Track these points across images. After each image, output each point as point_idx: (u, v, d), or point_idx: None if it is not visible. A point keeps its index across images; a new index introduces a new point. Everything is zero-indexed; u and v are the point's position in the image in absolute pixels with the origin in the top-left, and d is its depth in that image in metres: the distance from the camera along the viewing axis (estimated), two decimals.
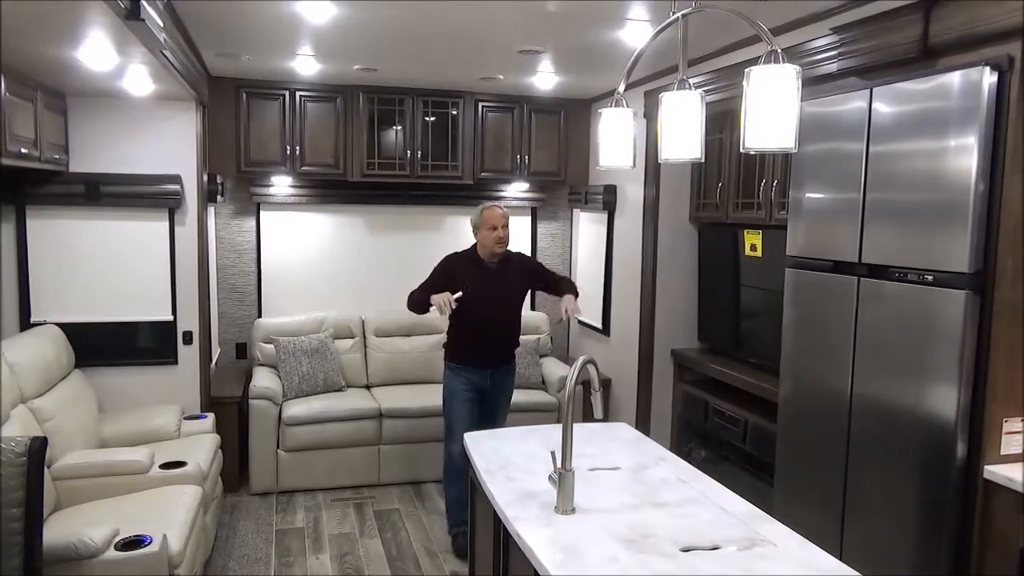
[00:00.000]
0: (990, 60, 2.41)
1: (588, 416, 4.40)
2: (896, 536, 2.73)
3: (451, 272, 3.95)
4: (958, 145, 2.48)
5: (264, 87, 5.25)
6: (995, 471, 2.42)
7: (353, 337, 5.53)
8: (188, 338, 4.60)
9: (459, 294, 3.71)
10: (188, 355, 4.61)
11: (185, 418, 4.37)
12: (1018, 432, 2.46)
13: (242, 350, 5.62)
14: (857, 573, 1.83)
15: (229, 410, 4.78)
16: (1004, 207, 2.41)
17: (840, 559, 1.94)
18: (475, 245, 3.99)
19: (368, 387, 5.44)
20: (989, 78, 2.40)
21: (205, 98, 4.76)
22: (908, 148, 2.68)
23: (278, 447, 4.84)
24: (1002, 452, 2.46)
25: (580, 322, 6.21)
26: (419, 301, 3.94)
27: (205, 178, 4.70)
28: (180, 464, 3.64)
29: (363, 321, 5.61)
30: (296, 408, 4.88)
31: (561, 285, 4.15)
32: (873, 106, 2.81)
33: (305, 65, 4.75)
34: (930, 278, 2.58)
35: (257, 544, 4.15)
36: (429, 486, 5.03)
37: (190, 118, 4.51)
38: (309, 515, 4.56)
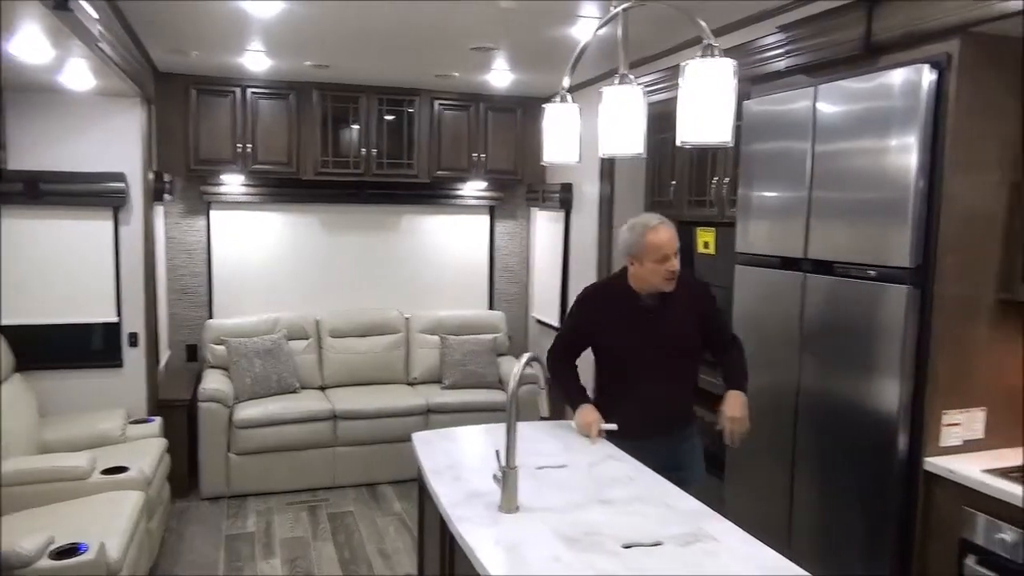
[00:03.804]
0: (930, 58, 2.45)
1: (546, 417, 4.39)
2: (842, 527, 2.76)
3: (595, 317, 2.84)
4: (899, 142, 2.51)
5: (214, 83, 5.15)
6: (936, 463, 2.45)
7: (308, 338, 5.44)
8: (134, 340, 4.48)
9: (612, 426, 2.71)
10: (134, 357, 4.50)
11: (131, 422, 4.25)
12: (957, 424, 2.50)
13: (193, 352, 5.51)
14: (797, 568, 1.83)
15: (178, 413, 4.67)
16: (944, 203, 2.44)
17: (788, 551, 1.94)
18: (624, 272, 2.80)
19: (323, 388, 5.37)
20: (929, 76, 2.43)
21: (151, 94, 4.65)
22: (852, 146, 2.71)
23: (229, 450, 4.74)
24: (942, 444, 2.49)
25: (538, 321, 6.20)
26: (563, 391, 2.98)
27: (152, 176, 4.59)
28: (123, 469, 3.54)
29: (318, 322, 5.53)
30: (248, 410, 4.78)
31: (730, 358, 2.88)
32: (818, 105, 2.84)
33: (255, 61, 4.67)
34: (873, 273, 2.61)
35: (205, 550, 4.06)
36: (385, 488, 4.97)
37: (135, 114, 4.40)
38: (261, 519, 4.48)
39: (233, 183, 5.39)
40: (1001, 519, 2.23)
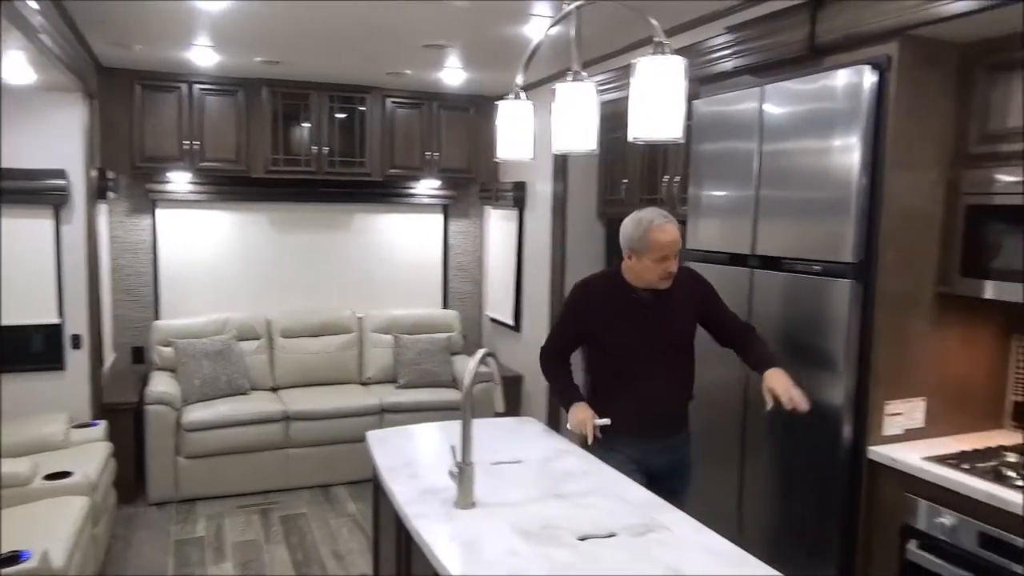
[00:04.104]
0: (871, 60, 2.52)
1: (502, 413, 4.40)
2: (789, 516, 2.83)
3: (588, 313, 2.76)
4: (842, 142, 2.58)
5: (159, 79, 5.04)
6: (878, 452, 2.53)
7: (259, 338, 5.36)
8: (77, 342, 4.35)
9: (606, 421, 2.64)
10: (77, 360, 4.37)
11: (74, 426, 4.13)
12: (899, 414, 2.59)
13: (139, 354, 5.37)
14: (748, 555, 1.88)
15: (124, 417, 4.55)
16: (885, 200, 2.52)
17: (739, 541, 1.99)
18: (619, 267, 2.75)
19: (275, 389, 5.29)
20: (870, 77, 2.51)
21: (94, 89, 4.52)
22: (797, 146, 2.77)
23: (177, 454, 4.64)
24: (884, 433, 2.57)
25: (492, 319, 6.22)
26: (555, 388, 2.89)
27: (94, 174, 4.47)
28: (66, 474, 3.45)
29: (269, 322, 5.45)
30: (197, 413, 4.69)
31: (755, 345, 2.74)
32: (764, 106, 2.90)
33: (203, 56, 4.58)
34: (818, 268, 2.68)
35: (153, 555, 3.97)
36: (339, 489, 4.92)
37: (76, 110, 4.28)
38: (211, 523, 4.39)
39: (180, 181, 5.28)
40: (940, 504, 2.32)
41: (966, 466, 2.35)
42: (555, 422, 4.98)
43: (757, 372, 2.63)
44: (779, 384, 2.51)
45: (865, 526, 2.59)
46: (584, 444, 2.67)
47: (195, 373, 4.88)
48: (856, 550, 2.62)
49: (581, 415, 2.67)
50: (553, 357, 2.86)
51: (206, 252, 5.53)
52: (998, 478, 2.25)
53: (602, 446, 2.63)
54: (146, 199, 5.30)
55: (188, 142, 5.11)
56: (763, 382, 2.56)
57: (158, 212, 5.37)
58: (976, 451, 2.49)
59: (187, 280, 5.47)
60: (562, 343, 2.87)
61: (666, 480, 2.67)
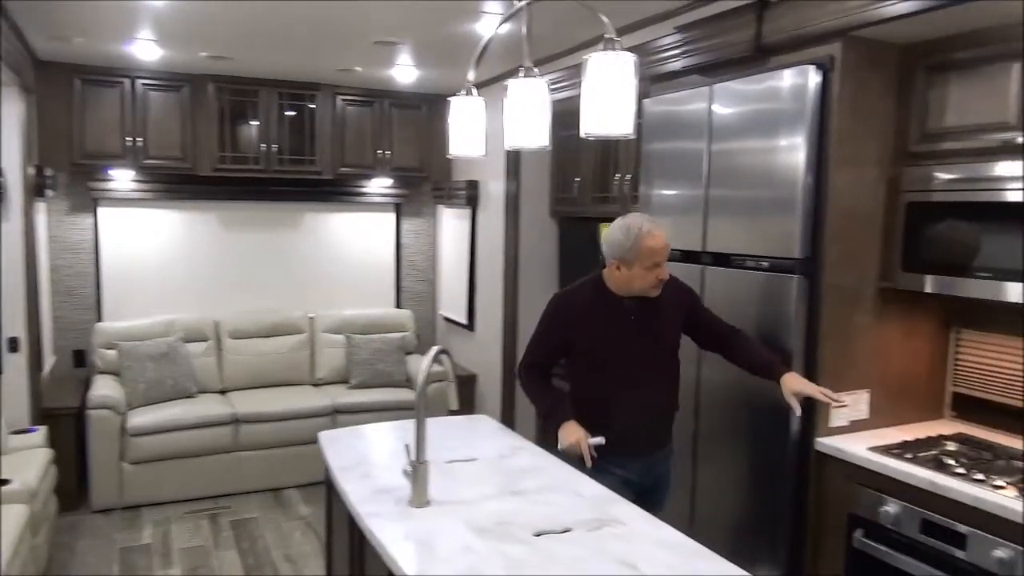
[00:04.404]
0: (815, 60, 2.58)
1: (456, 412, 4.38)
2: (741, 509, 2.87)
3: (572, 324, 2.62)
4: (788, 141, 2.63)
5: (101, 73, 4.90)
6: (826, 443, 2.59)
7: (206, 340, 5.24)
8: (14, 345, 4.19)
9: (600, 440, 2.50)
10: (15, 364, 4.21)
11: (12, 432, 3.98)
12: (845, 406, 2.65)
13: (80, 357, 5.21)
14: (699, 545, 1.90)
15: (65, 422, 4.41)
16: (829, 198, 2.58)
17: (690, 533, 2.01)
18: (600, 275, 2.63)
19: (223, 392, 5.18)
20: (814, 77, 2.56)
21: (31, 84, 4.38)
22: (745, 145, 2.82)
23: (122, 459, 4.50)
24: (831, 425, 2.63)
25: (446, 318, 6.19)
26: (541, 406, 2.71)
27: (32, 171, 4.32)
28: (3, 482, 3.32)
29: (217, 323, 5.33)
30: (142, 417, 4.57)
31: (743, 347, 2.68)
32: (713, 106, 2.94)
33: (146, 50, 4.47)
34: (766, 264, 2.73)
35: (98, 564, 3.85)
36: (291, 492, 4.84)
37: (12, 105, 4.13)
38: (158, 530, 4.28)
39: (123, 179, 5.13)
40: (885, 493, 2.38)
41: (909, 455, 2.42)
42: (509, 421, 4.98)
43: (766, 379, 2.58)
44: (807, 387, 2.48)
45: (814, 516, 2.65)
46: (579, 463, 2.48)
47: (140, 376, 4.75)
48: (806, 540, 2.68)
49: (573, 435, 2.50)
50: (535, 372, 2.70)
51: (151, 252, 5.39)
52: (939, 466, 2.32)
53: (592, 466, 2.48)
54: (87, 197, 5.14)
55: (131, 139, 4.97)
56: (783, 388, 2.50)
57: (100, 211, 5.21)
58: (918, 441, 2.57)
59: (131, 281, 5.32)
60: (544, 357, 2.70)
61: (649, 494, 2.61)
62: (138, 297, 5.31)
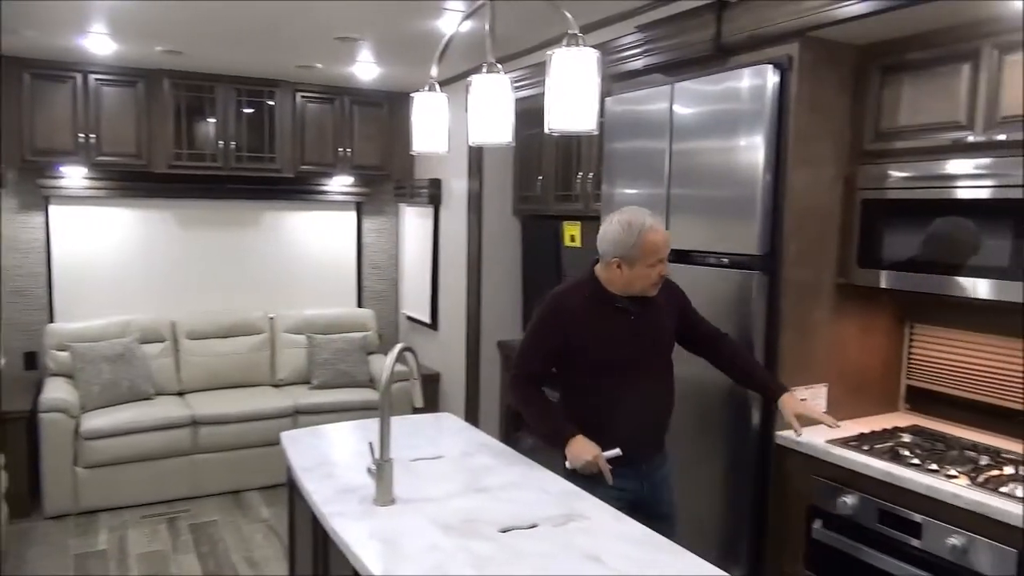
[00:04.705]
0: (774, 60, 2.62)
1: (420, 410, 4.36)
2: (704, 501, 2.91)
3: (569, 326, 2.44)
4: (748, 139, 2.66)
5: (52, 68, 4.77)
6: (785, 436, 2.62)
7: (163, 341, 5.14)
8: None
9: (616, 452, 2.35)
10: None
11: None
12: (804, 400, 2.68)
13: (32, 360, 5.07)
14: (664, 538, 1.92)
15: (15, 426, 4.29)
16: (787, 195, 2.62)
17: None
18: (593, 273, 2.49)
19: (181, 394, 5.09)
20: (772, 77, 2.60)
21: None
22: (705, 145, 2.84)
23: (76, 464, 4.39)
24: None
25: (408, 317, 6.16)
26: (537, 419, 2.51)
27: None
28: None
29: (174, 324, 5.24)
30: (96, 420, 4.46)
31: (731, 355, 2.62)
32: (674, 106, 2.96)
33: (99, 44, 4.36)
34: (727, 261, 2.77)
35: (51, 571, 3.75)
36: (251, 494, 4.77)
37: None
38: (114, 535, 4.18)
39: (75, 176, 5.01)
40: (843, 484, 2.43)
41: (866, 447, 2.47)
42: (473, 419, 4.97)
43: (761, 395, 2.59)
44: (811, 412, 2.48)
45: (775, 509, 2.69)
46: (587, 480, 2.32)
47: (94, 378, 4.64)
48: (767, 532, 2.72)
49: (587, 452, 2.33)
50: (530, 382, 2.51)
51: (105, 251, 5.27)
52: (895, 458, 2.38)
53: (587, 481, 2.32)
54: (38, 195, 5.00)
55: (83, 135, 4.85)
56: (784, 410, 2.48)
57: (51, 209, 5.08)
58: (874, 433, 2.63)
59: (84, 281, 5.19)
60: (539, 364, 2.51)
61: (653, 506, 2.47)
62: (92, 297, 5.18)
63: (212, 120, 5.23)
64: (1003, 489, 2.11)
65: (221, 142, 5.23)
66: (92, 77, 4.86)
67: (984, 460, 2.36)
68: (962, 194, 2.34)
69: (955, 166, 2.36)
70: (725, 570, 1.76)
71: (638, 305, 2.46)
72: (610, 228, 2.41)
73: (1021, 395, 2.59)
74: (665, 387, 2.57)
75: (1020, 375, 2.59)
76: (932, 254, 2.44)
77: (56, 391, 4.47)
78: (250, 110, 5.34)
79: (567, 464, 2.37)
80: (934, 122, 2.47)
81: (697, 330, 2.65)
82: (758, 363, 2.63)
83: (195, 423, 4.70)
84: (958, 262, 2.36)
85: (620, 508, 2.16)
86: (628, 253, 2.36)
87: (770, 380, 2.57)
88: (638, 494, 2.46)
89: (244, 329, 5.40)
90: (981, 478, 2.19)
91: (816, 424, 2.50)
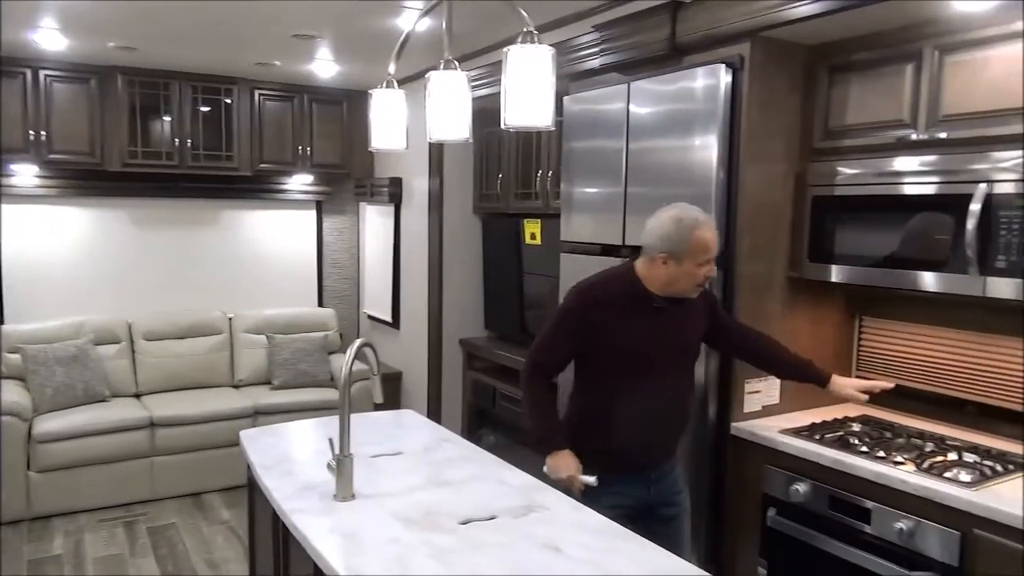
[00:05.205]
0: (726, 59, 2.67)
1: (381, 407, 4.35)
2: None
3: (597, 321, 2.33)
4: (702, 138, 2.72)
5: (1, 63, 4.65)
6: (740, 427, 2.70)
7: (119, 342, 5.06)
8: None
9: (591, 480, 2.28)
10: None
11: None
12: (758, 392, 2.76)
13: None
14: (622, 527, 1.96)
15: None
16: (740, 192, 2.68)
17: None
18: (631, 267, 2.39)
19: (138, 395, 5.00)
20: (725, 77, 2.66)
21: None
22: (661, 144, 2.88)
23: (28, 468, 4.30)
24: (745, 410, 2.75)
25: (370, 316, 6.14)
26: (534, 417, 2.42)
27: None
28: None
29: (130, 324, 5.15)
30: (49, 423, 4.37)
31: (774, 351, 2.58)
32: (631, 105, 3.00)
33: (50, 39, 4.27)
34: None
35: None
36: (211, 496, 4.71)
37: None
38: (69, 540, 4.10)
39: (26, 174, 4.90)
40: (796, 472, 2.50)
41: (817, 436, 2.54)
42: (436, 416, 4.98)
43: (813, 384, 2.57)
44: (864, 383, 2.55)
45: (732, 495, 2.75)
46: (590, 488, 2.29)
47: (47, 381, 4.54)
48: (725, 521, 2.78)
49: (564, 470, 2.30)
50: (543, 373, 2.42)
51: (58, 251, 5.16)
52: (845, 446, 2.45)
53: (592, 491, 2.27)
54: None
55: (34, 132, 4.75)
56: (843, 389, 2.52)
57: (1, 208, 4.95)
58: (825, 423, 2.70)
59: (37, 282, 5.08)
60: (559, 355, 2.40)
61: (660, 508, 2.45)
62: (45, 299, 5.08)
63: (168, 118, 5.15)
64: (947, 474, 2.19)
65: (177, 140, 5.15)
66: (43, 73, 4.76)
67: (929, 447, 2.44)
68: (908, 190, 2.42)
69: (901, 163, 2.44)
70: (683, 558, 1.80)
71: (674, 306, 2.35)
72: (658, 222, 2.32)
73: (965, 384, 2.68)
74: (685, 394, 2.49)
75: (964, 365, 2.68)
76: (879, 249, 2.51)
77: (7, 394, 4.36)
78: (207, 108, 5.27)
79: (545, 469, 2.36)
80: (880, 120, 2.55)
81: (732, 331, 2.59)
82: (799, 356, 2.58)
83: (153, 425, 4.63)
84: (904, 256, 2.44)
85: (623, 515, 2.13)
86: (677, 249, 2.26)
87: (814, 369, 2.56)
88: (644, 500, 2.41)
89: (202, 330, 5.33)
90: (926, 464, 2.27)
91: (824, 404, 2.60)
